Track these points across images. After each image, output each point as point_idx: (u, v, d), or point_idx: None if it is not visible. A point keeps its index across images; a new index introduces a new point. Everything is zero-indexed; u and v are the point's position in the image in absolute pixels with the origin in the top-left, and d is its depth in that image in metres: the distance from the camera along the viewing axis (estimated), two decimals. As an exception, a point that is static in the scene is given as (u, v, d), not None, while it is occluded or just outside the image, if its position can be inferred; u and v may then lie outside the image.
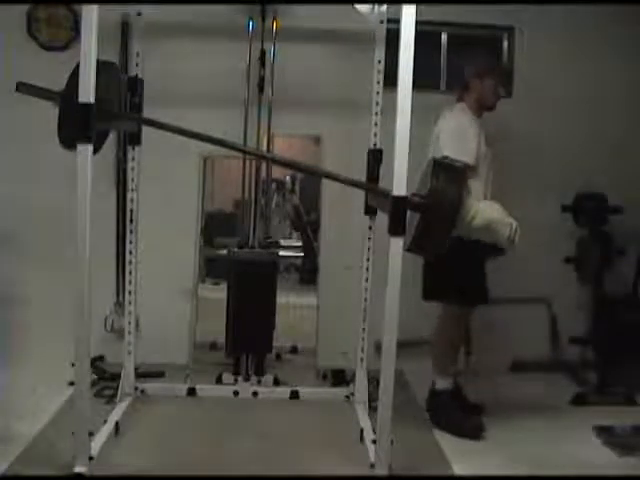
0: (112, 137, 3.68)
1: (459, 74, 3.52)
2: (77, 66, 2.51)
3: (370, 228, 3.50)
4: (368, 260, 3.53)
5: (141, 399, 3.54)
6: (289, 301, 4.29)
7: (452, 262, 3.17)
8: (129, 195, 3.50)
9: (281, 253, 4.22)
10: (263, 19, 3.79)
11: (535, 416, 3.53)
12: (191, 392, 3.64)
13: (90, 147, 2.51)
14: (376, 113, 3.44)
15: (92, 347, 2.75)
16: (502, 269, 3.60)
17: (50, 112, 2.74)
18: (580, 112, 4.20)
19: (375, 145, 3.45)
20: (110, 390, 3.57)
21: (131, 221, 3.49)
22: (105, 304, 4.01)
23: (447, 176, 2.68)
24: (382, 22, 3.39)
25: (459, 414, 3.32)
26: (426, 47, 4.03)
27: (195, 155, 3.99)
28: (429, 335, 3.53)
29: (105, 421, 3.11)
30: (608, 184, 4.09)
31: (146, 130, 3.35)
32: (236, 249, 3.83)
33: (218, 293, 4.04)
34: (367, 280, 3.55)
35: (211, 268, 4.78)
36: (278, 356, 4.12)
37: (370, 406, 3.41)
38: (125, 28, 3.89)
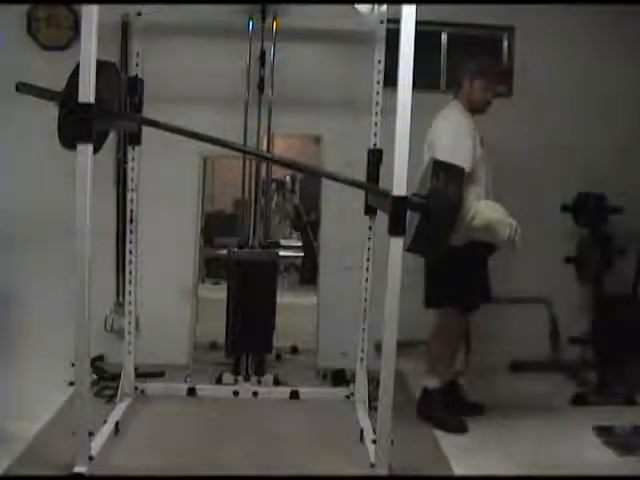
0: (112, 137, 3.69)
1: (457, 72, 3.51)
2: (77, 66, 2.51)
3: (370, 228, 3.50)
4: (368, 260, 3.53)
5: (141, 399, 3.54)
6: (289, 301, 4.29)
7: (449, 270, 3.23)
8: (129, 195, 3.50)
9: (281, 253, 4.22)
10: (263, 19, 3.79)
11: (535, 416, 3.53)
12: (191, 392, 3.64)
13: (90, 147, 2.51)
14: (376, 113, 3.44)
15: (92, 347, 2.75)
16: (502, 269, 3.61)
17: (50, 112, 2.74)
18: (580, 112, 4.21)
19: (375, 145, 3.45)
20: (110, 390, 3.57)
21: (131, 221, 3.49)
22: (105, 304, 4.01)
23: (447, 176, 2.68)
24: (382, 22, 3.39)
25: (444, 412, 3.36)
26: (426, 47, 4.03)
27: (195, 155, 3.99)
28: (428, 336, 3.53)
29: (105, 421, 3.11)
30: (608, 184, 4.09)
31: (146, 130, 3.35)
32: (236, 249, 3.83)
33: (218, 293, 4.04)
34: (367, 280, 3.55)
35: (211, 268, 4.79)
36: (278, 356, 4.12)
37: (370, 406, 3.41)
38: (125, 28, 3.89)
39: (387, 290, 2.62)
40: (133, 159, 3.47)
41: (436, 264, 3.31)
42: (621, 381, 3.90)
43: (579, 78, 4.21)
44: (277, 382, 3.74)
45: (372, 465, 2.78)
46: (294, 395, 3.66)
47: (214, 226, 4.86)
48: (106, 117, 2.70)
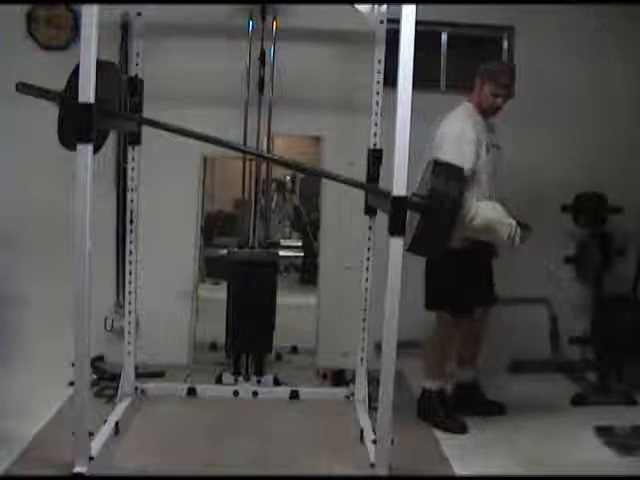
0: (112, 137, 3.69)
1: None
2: (77, 66, 2.51)
3: (370, 228, 3.50)
4: (368, 260, 3.53)
5: (141, 399, 3.55)
6: (289, 301, 4.29)
7: (446, 272, 3.24)
8: (129, 195, 3.50)
9: (281, 253, 4.22)
10: (263, 19, 3.79)
11: (535, 416, 3.53)
12: (191, 392, 3.64)
13: (90, 147, 2.51)
14: (376, 113, 3.44)
15: (92, 347, 2.74)
16: (502, 269, 3.60)
17: (50, 112, 2.74)
18: (580, 112, 4.20)
19: (375, 145, 3.45)
20: (110, 390, 3.57)
21: (131, 221, 3.49)
22: (105, 304, 4.01)
23: (447, 176, 2.68)
24: (382, 22, 3.39)
25: (443, 412, 3.38)
26: (426, 47, 4.04)
27: (195, 155, 3.99)
28: (425, 337, 3.53)
29: (105, 421, 3.10)
30: (608, 184, 4.09)
31: (146, 130, 3.34)
32: (236, 249, 3.84)
33: (218, 293, 4.04)
34: (367, 280, 3.55)
35: (211, 268, 4.79)
36: (278, 356, 4.12)
37: (370, 406, 3.41)
38: (125, 28, 3.89)
39: (387, 290, 2.62)
40: (133, 159, 3.47)
41: (434, 266, 3.31)
42: (621, 381, 3.90)
43: (579, 78, 4.21)
44: (277, 382, 3.74)
45: (372, 465, 2.77)
46: (294, 395, 3.66)
47: (214, 226, 4.86)
48: (106, 117, 2.70)
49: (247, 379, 3.71)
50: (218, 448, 3.05)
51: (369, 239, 3.51)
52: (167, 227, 3.93)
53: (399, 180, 2.56)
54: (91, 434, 2.72)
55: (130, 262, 3.52)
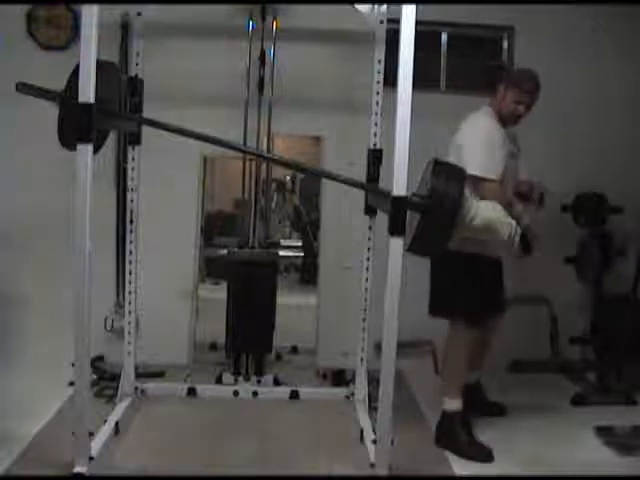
0: (112, 137, 3.69)
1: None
2: (77, 66, 2.51)
3: (370, 228, 3.50)
4: (368, 260, 3.53)
5: (141, 399, 3.55)
6: (289, 301, 4.29)
7: (457, 278, 3.14)
8: (129, 195, 3.50)
9: (281, 253, 4.22)
10: (263, 19, 3.79)
11: (535, 416, 3.53)
12: (191, 392, 3.64)
13: (90, 147, 2.51)
14: (376, 113, 3.44)
15: (92, 347, 2.74)
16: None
17: (50, 112, 2.74)
18: (580, 112, 4.20)
19: (375, 145, 3.45)
20: (110, 390, 3.57)
21: (131, 221, 3.49)
22: (105, 304, 4.01)
23: (447, 176, 2.68)
24: (382, 22, 3.39)
25: (466, 438, 3.12)
26: (426, 47, 4.04)
27: (195, 155, 3.99)
28: (432, 336, 3.50)
29: (105, 421, 3.11)
30: (608, 184, 4.09)
31: (146, 130, 3.34)
32: (236, 249, 3.84)
33: (218, 293, 4.04)
34: (367, 280, 3.55)
35: (211, 268, 4.79)
36: (278, 356, 4.12)
37: (370, 406, 3.41)
38: (125, 28, 3.89)
39: (387, 290, 2.62)
40: (133, 159, 3.47)
41: (443, 271, 3.17)
42: (621, 381, 3.90)
43: (579, 78, 4.21)
44: (277, 382, 3.74)
45: (372, 465, 2.77)
46: (294, 395, 3.66)
47: (214, 226, 4.86)
48: (106, 117, 2.70)
49: (247, 379, 3.71)
50: (218, 448, 3.05)
51: (369, 239, 3.51)
52: (167, 227, 3.93)
53: (399, 180, 2.56)
54: (91, 434, 2.72)
55: (130, 262, 3.52)
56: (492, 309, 3.31)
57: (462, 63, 4.33)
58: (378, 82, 3.42)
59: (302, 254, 5.30)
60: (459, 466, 2.98)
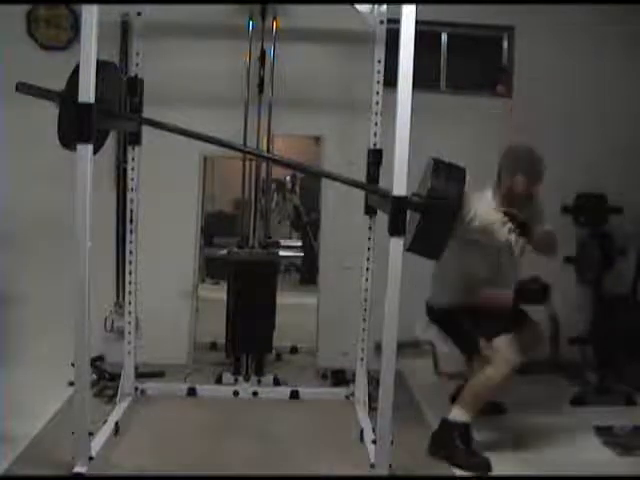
0: (112, 137, 3.68)
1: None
2: (77, 66, 2.51)
3: (370, 228, 3.50)
4: (368, 260, 3.53)
5: (141, 399, 3.55)
6: (289, 301, 4.29)
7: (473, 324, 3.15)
8: (129, 195, 3.50)
9: (281, 253, 4.22)
10: (263, 19, 3.79)
11: (535, 416, 3.53)
12: (191, 392, 3.64)
13: (90, 147, 2.51)
14: (376, 113, 3.44)
15: (92, 347, 2.74)
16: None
17: (50, 112, 2.74)
18: (580, 112, 4.20)
19: (375, 145, 3.45)
20: (110, 390, 3.57)
21: (131, 221, 3.49)
22: (105, 304, 4.01)
23: (447, 176, 2.68)
24: (382, 22, 3.39)
25: (464, 449, 3.01)
26: (426, 47, 4.04)
27: (195, 155, 3.99)
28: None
29: (105, 421, 3.11)
30: (608, 184, 4.09)
31: (146, 130, 3.35)
32: (236, 249, 3.83)
33: (218, 293, 4.04)
34: (367, 280, 3.55)
35: (211, 268, 4.78)
36: (278, 356, 4.13)
37: (370, 406, 3.41)
38: (125, 28, 3.89)
39: (387, 290, 2.62)
40: (133, 159, 3.47)
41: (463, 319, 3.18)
42: (621, 381, 3.90)
43: (579, 78, 4.21)
44: (277, 382, 3.74)
45: (372, 465, 2.78)
46: (294, 395, 3.66)
47: (214, 226, 4.85)
48: (106, 117, 2.70)
49: (247, 379, 3.71)
50: (218, 448, 3.05)
51: (369, 239, 3.52)
52: (167, 227, 3.93)
53: (399, 180, 2.56)
54: (91, 434, 2.72)
55: (130, 262, 3.52)
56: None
57: (462, 63, 4.33)
58: (378, 82, 3.42)
59: (302, 254, 5.30)
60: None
